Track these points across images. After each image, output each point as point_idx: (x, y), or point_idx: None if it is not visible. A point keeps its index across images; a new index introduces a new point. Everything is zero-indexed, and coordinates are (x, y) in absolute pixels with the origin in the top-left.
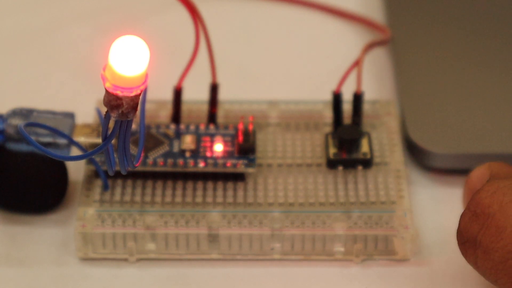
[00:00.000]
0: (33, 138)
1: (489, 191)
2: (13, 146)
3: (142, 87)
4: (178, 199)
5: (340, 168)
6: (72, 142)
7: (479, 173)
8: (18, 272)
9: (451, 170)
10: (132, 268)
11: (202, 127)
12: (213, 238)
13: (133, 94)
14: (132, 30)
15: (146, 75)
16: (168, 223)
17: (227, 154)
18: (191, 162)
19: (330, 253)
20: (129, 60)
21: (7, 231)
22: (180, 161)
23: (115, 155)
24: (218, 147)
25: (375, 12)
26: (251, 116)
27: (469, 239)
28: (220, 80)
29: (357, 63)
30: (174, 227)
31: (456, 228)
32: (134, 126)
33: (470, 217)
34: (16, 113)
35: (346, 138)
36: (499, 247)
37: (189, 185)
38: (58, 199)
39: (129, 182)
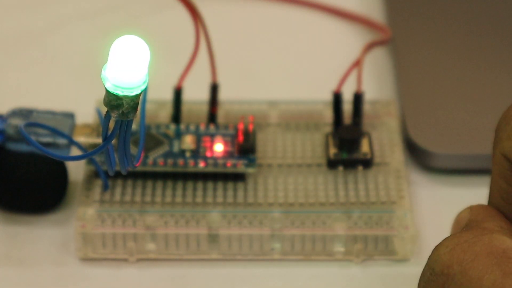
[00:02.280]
0: (33, 138)
1: (447, 246)
2: (13, 146)
3: (143, 87)
4: (178, 199)
5: (340, 168)
6: (72, 142)
7: (460, 217)
8: (18, 272)
9: (451, 170)
10: (132, 268)
11: (202, 127)
12: (213, 238)
13: (133, 94)
14: (132, 30)
15: (146, 75)
16: (168, 223)
17: (227, 154)
18: (191, 162)
19: (330, 253)
20: (130, 60)
21: (7, 231)
22: (180, 161)
23: (115, 155)
24: (218, 147)
25: (375, 12)
26: (251, 116)
27: None
28: (220, 80)
29: (357, 63)
30: (174, 227)
31: None
32: (134, 126)
33: (428, 276)
34: (16, 113)
35: (346, 138)
36: None
37: (189, 185)
38: (58, 199)
39: (129, 182)
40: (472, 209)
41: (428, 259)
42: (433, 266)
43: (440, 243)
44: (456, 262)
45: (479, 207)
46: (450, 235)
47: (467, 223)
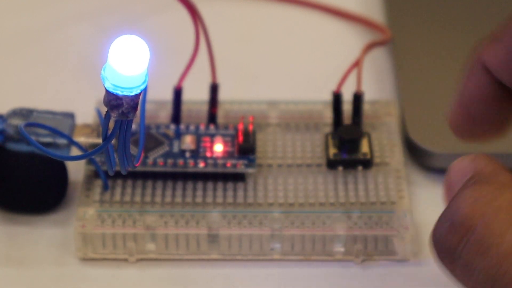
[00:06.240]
0: (33, 138)
1: (469, 198)
2: (13, 146)
3: (142, 87)
4: (178, 199)
5: (340, 168)
6: (72, 142)
7: (462, 166)
8: (18, 272)
9: None
10: (132, 269)
11: (202, 127)
12: (213, 239)
13: (133, 94)
14: (132, 30)
15: (146, 75)
16: (168, 223)
17: (227, 154)
18: (191, 162)
19: (330, 254)
20: (129, 59)
21: (7, 231)
22: (180, 161)
23: (115, 155)
24: (218, 147)
25: (375, 12)
26: (251, 116)
27: (446, 250)
28: (220, 80)
29: (357, 63)
30: (174, 228)
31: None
32: (134, 126)
33: (448, 226)
34: (16, 113)
35: (346, 138)
36: (482, 268)
37: (189, 185)
38: (58, 199)
39: (129, 182)
40: (476, 160)
41: (446, 209)
42: (452, 217)
43: (458, 195)
44: (478, 215)
45: (484, 157)
46: (469, 188)
47: (476, 175)
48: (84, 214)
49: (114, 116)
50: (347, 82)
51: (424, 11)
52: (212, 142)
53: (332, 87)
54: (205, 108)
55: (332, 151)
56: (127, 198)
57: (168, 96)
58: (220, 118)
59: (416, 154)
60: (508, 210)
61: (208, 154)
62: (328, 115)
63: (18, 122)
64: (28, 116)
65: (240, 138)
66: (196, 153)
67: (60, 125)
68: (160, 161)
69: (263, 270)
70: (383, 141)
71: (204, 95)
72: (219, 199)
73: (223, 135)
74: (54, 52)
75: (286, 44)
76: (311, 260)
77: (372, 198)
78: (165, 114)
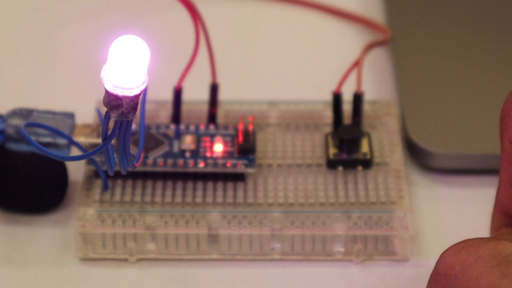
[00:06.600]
0: (33, 138)
1: (454, 249)
2: (13, 146)
3: (142, 87)
4: (178, 199)
5: (340, 168)
6: (72, 142)
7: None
8: (18, 272)
9: (451, 170)
10: (132, 268)
11: (202, 127)
12: (213, 238)
13: (133, 94)
14: (132, 30)
15: (146, 75)
16: (168, 223)
17: (227, 154)
18: (191, 162)
19: (330, 254)
20: (129, 59)
21: (7, 231)
22: (180, 161)
23: (115, 155)
24: (218, 147)
25: (375, 12)
26: (251, 116)
27: None
28: (220, 80)
29: (357, 63)
30: (174, 228)
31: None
32: (134, 126)
33: (433, 276)
34: (16, 113)
35: (346, 138)
36: None
37: (189, 185)
38: (58, 199)
39: (129, 182)
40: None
41: (436, 262)
42: (438, 267)
43: (448, 247)
44: (458, 263)
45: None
46: (460, 242)
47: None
48: (84, 214)
49: (114, 116)
50: (347, 82)
51: (424, 11)
52: (212, 142)
53: (332, 87)
54: (205, 108)
55: (332, 151)
56: (127, 198)
57: (168, 96)
58: (220, 118)
59: (416, 154)
60: (488, 257)
61: (208, 154)
62: (328, 115)
63: (18, 122)
64: (28, 116)
65: (240, 138)
66: (196, 153)
67: (60, 125)
68: (160, 161)
69: (263, 270)
70: (383, 141)
71: (204, 95)
72: (219, 199)
73: (223, 135)
74: (54, 52)
75: (286, 44)
76: (311, 260)
77: (372, 198)
78: (165, 114)
